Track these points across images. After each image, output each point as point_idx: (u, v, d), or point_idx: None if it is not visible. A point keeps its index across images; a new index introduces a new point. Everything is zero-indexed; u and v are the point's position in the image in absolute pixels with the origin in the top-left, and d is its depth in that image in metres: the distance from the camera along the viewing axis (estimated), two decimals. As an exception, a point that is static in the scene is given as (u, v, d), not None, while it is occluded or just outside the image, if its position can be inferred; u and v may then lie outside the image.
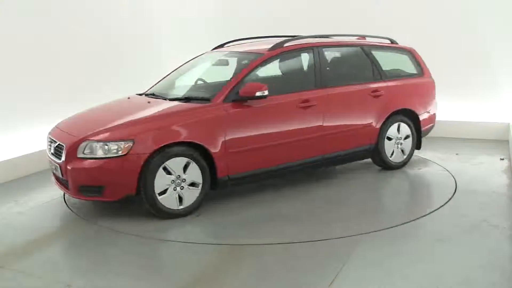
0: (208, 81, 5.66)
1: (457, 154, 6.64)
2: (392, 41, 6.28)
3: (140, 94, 5.62)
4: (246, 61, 5.25)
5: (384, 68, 5.89)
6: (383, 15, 7.86)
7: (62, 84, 6.99)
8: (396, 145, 5.91)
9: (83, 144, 4.42)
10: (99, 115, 5.14)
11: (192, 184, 4.60)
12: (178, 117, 4.64)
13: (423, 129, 6.16)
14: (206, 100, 4.83)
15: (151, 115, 4.74)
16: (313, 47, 5.46)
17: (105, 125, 4.59)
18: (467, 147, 7.01)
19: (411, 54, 6.25)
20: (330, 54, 5.70)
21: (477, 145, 7.12)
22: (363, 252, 3.82)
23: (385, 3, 7.90)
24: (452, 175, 5.70)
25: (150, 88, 5.82)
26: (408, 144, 6.02)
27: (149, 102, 5.15)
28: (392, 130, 5.85)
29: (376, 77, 5.80)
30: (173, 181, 4.50)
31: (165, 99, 5.14)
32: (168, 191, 4.49)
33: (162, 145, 4.39)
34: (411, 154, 6.09)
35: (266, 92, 4.77)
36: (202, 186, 4.64)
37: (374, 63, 5.84)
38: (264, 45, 5.41)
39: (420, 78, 6.22)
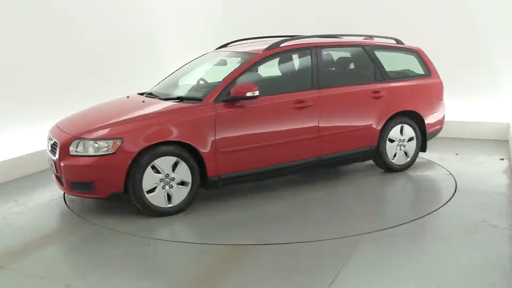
0: (209, 81, 5.66)
1: (457, 154, 6.64)
2: (398, 41, 6.17)
3: (141, 94, 5.64)
4: (241, 62, 5.24)
5: (388, 69, 5.81)
6: (383, 15, 7.87)
7: (62, 84, 7.00)
8: (398, 147, 5.81)
9: (75, 141, 4.52)
10: (95, 113, 5.19)
11: (182, 183, 4.64)
12: (167, 117, 4.70)
13: (428, 131, 6.02)
14: (198, 100, 4.86)
15: (142, 115, 4.78)
16: (310, 47, 5.42)
17: (98, 123, 4.68)
18: (467, 147, 7.01)
19: (418, 54, 6.13)
20: (328, 55, 5.67)
21: (477, 145, 7.13)
22: (363, 252, 3.82)
23: (385, 3, 7.90)
24: (452, 175, 5.70)
25: (153, 88, 5.84)
26: (412, 146, 5.90)
27: (143, 102, 5.20)
28: (394, 132, 5.75)
29: (378, 78, 5.71)
30: (161, 179, 4.54)
31: (160, 99, 5.18)
32: (156, 189, 4.54)
33: (150, 144, 4.45)
34: (415, 156, 5.96)
35: (256, 93, 4.77)
36: (192, 185, 4.67)
37: (376, 63, 5.75)
38: (265, 45, 5.40)
39: (426, 79, 6.09)
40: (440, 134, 6.35)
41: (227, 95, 4.81)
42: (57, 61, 6.99)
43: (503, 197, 4.98)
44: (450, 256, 3.74)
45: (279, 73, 5.64)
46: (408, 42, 6.36)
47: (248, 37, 6.22)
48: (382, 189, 5.51)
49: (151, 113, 4.77)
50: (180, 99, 5.02)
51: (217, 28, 8.94)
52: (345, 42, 5.90)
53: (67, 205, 5.07)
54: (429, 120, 6.01)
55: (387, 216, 4.80)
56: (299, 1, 8.46)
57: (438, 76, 6.18)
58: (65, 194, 5.29)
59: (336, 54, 5.82)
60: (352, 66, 5.94)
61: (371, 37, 6.14)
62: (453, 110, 7.54)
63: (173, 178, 4.59)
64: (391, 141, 5.76)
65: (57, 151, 4.61)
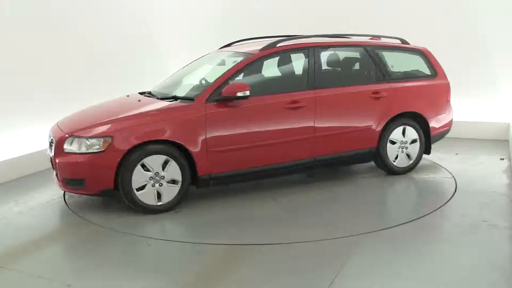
0: (211, 81, 5.64)
1: (457, 154, 6.64)
2: (403, 41, 6.04)
3: (142, 93, 5.66)
4: (237, 61, 5.23)
5: (390, 69, 5.71)
6: (382, 15, 7.86)
7: (62, 84, 7.00)
8: (400, 149, 5.68)
9: (69, 139, 4.64)
10: (93, 112, 5.25)
11: (173, 182, 4.69)
12: (158, 116, 4.78)
13: (433, 133, 5.87)
14: (191, 99, 4.89)
15: (133, 114, 4.83)
16: (308, 47, 5.38)
17: (93, 122, 4.78)
18: (467, 147, 7.01)
19: (424, 54, 5.99)
20: (326, 55, 5.61)
21: (477, 145, 7.12)
22: (363, 252, 3.82)
23: (385, 3, 7.90)
24: (452, 175, 5.70)
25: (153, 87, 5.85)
26: (415, 148, 5.75)
27: (139, 101, 5.24)
28: (396, 134, 5.63)
29: (379, 79, 5.61)
30: (151, 177, 4.60)
31: (157, 98, 5.21)
32: (146, 187, 4.61)
33: (139, 142, 4.52)
34: (418, 159, 5.82)
35: (247, 93, 4.78)
36: (182, 183, 4.71)
37: (378, 64, 5.65)
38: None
39: (432, 80, 5.94)
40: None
41: (219, 95, 4.83)
42: (57, 61, 6.98)
43: (503, 197, 4.97)
44: (450, 256, 3.74)
45: (274, 74, 5.61)
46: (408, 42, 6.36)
47: (254, 36, 6.15)
48: (381, 189, 5.50)
49: (142, 112, 4.85)
50: (174, 98, 5.05)
51: (217, 28, 8.94)
52: (344, 42, 5.84)
53: (67, 205, 5.07)
54: (434, 122, 5.86)
55: (387, 216, 4.80)
56: (300, 1, 8.45)
57: (445, 77, 6.02)
58: (65, 194, 5.32)
59: (334, 55, 5.78)
60: (350, 66, 5.89)
61: (378, 37, 6.04)
62: (454, 110, 7.56)
63: (163, 176, 4.64)
64: (393, 143, 5.64)
65: (53, 148, 4.75)
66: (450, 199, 4.97)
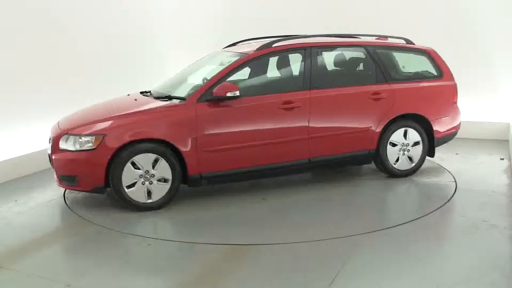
0: None
1: (457, 154, 6.64)
2: (408, 42, 5.92)
3: (142, 92, 5.67)
4: (232, 62, 5.21)
5: (392, 70, 5.60)
6: (382, 15, 7.87)
7: (62, 84, 6.99)
8: (401, 152, 5.56)
9: (64, 136, 4.77)
10: (91, 111, 5.31)
11: (164, 180, 4.75)
12: (149, 115, 4.85)
13: (438, 136, 5.71)
14: (183, 99, 4.93)
15: (126, 113, 4.89)
16: (304, 47, 5.33)
17: (88, 120, 4.89)
18: (467, 147, 7.01)
19: (429, 55, 5.84)
20: (323, 55, 5.56)
21: (477, 145, 7.12)
22: (363, 252, 3.82)
23: (385, 3, 7.90)
24: (452, 175, 5.70)
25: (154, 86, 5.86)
26: (417, 151, 5.62)
27: (135, 100, 5.30)
28: (397, 136, 5.51)
29: (380, 79, 5.50)
30: (141, 175, 4.67)
31: (154, 98, 5.25)
32: (136, 185, 4.68)
33: (128, 141, 4.60)
34: (420, 162, 5.67)
35: (237, 93, 4.80)
36: (172, 182, 4.76)
37: (378, 64, 5.53)
38: None
39: (437, 81, 5.77)
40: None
41: (211, 95, 4.85)
42: (57, 61, 6.98)
43: (503, 197, 4.97)
44: (450, 256, 3.75)
45: (269, 74, 5.59)
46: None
47: (259, 36, 6.08)
48: (381, 190, 5.48)
49: (135, 112, 4.91)
50: (169, 98, 5.09)
51: (217, 28, 8.93)
52: (342, 43, 5.74)
53: (67, 205, 5.07)
54: (438, 124, 5.70)
55: (387, 216, 4.81)
56: (300, 1, 8.45)
57: (451, 78, 5.85)
58: (65, 194, 5.34)
59: (332, 55, 5.70)
60: (348, 67, 5.82)
61: (385, 37, 5.96)
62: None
63: (153, 174, 4.70)
64: (393, 145, 5.53)
65: (50, 145, 4.91)
66: (450, 199, 4.97)
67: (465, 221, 4.39)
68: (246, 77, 5.38)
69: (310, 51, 5.31)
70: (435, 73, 5.83)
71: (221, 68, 5.23)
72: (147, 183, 4.70)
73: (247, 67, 5.26)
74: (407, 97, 5.60)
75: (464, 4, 7.46)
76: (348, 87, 5.41)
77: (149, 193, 4.72)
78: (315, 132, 5.19)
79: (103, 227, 4.47)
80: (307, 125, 5.15)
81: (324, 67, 5.54)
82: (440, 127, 5.74)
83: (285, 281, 3.44)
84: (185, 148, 4.75)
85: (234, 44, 6.15)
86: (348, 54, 5.81)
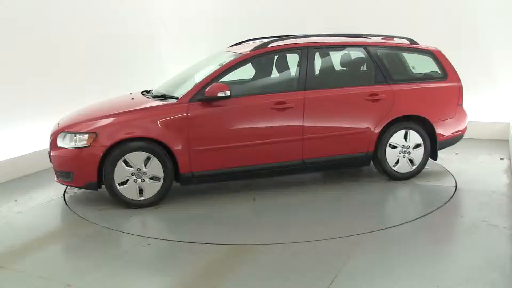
0: None
1: (457, 153, 6.63)
2: (412, 42, 5.80)
3: (144, 91, 5.71)
4: (226, 62, 5.21)
5: (393, 70, 5.48)
6: (382, 15, 7.86)
7: (62, 84, 7.00)
8: (402, 154, 5.45)
9: (61, 134, 4.92)
10: (90, 110, 5.37)
11: (156, 178, 4.83)
12: (142, 114, 4.92)
13: (441, 138, 5.57)
14: (176, 98, 4.99)
15: (119, 112, 4.96)
16: (301, 47, 5.28)
17: (85, 118, 5.00)
18: (467, 147, 6.99)
19: (434, 55, 5.67)
20: (321, 56, 5.53)
21: (477, 145, 7.12)
22: (363, 252, 3.82)
23: (385, 3, 7.90)
24: (452, 175, 5.70)
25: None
26: (418, 154, 5.48)
27: (132, 99, 5.37)
28: (396, 138, 5.40)
29: (379, 80, 5.38)
30: (133, 173, 4.77)
31: (150, 97, 5.32)
32: (128, 182, 4.78)
33: (120, 139, 4.70)
34: (422, 165, 5.54)
35: (228, 93, 4.83)
36: (164, 180, 4.83)
37: (378, 65, 5.42)
38: None
39: (441, 82, 5.60)
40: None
41: (203, 95, 4.87)
42: (57, 61, 6.99)
43: (503, 197, 4.97)
44: (450, 256, 3.75)
45: (264, 74, 5.58)
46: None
47: (264, 36, 5.98)
48: (381, 190, 5.46)
49: (129, 111, 4.98)
50: (164, 97, 5.15)
51: (217, 28, 8.94)
52: (341, 43, 5.65)
53: (67, 205, 5.08)
54: (441, 126, 5.55)
55: (387, 216, 4.81)
56: (300, 1, 8.45)
57: (456, 79, 5.66)
58: (65, 194, 5.36)
59: (329, 55, 5.66)
60: (346, 67, 5.77)
61: (391, 37, 5.88)
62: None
63: (145, 172, 4.78)
64: (393, 147, 5.43)
65: (49, 143, 5.06)
66: (450, 199, 4.97)
67: (465, 221, 4.39)
68: (242, 77, 5.39)
69: (306, 51, 5.26)
70: (440, 74, 5.67)
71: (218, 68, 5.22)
72: (139, 180, 4.78)
73: (242, 67, 5.22)
74: (408, 98, 5.48)
75: (464, 4, 7.46)
76: (345, 88, 5.32)
77: (141, 191, 4.81)
78: (309, 133, 5.15)
79: (103, 227, 4.47)
80: (301, 125, 5.12)
81: (321, 67, 5.52)
82: (443, 129, 5.60)
83: (285, 281, 3.44)
84: (177, 146, 4.82)
85: (240, 43, 6.10)
86: (347, 54, 5.77)
